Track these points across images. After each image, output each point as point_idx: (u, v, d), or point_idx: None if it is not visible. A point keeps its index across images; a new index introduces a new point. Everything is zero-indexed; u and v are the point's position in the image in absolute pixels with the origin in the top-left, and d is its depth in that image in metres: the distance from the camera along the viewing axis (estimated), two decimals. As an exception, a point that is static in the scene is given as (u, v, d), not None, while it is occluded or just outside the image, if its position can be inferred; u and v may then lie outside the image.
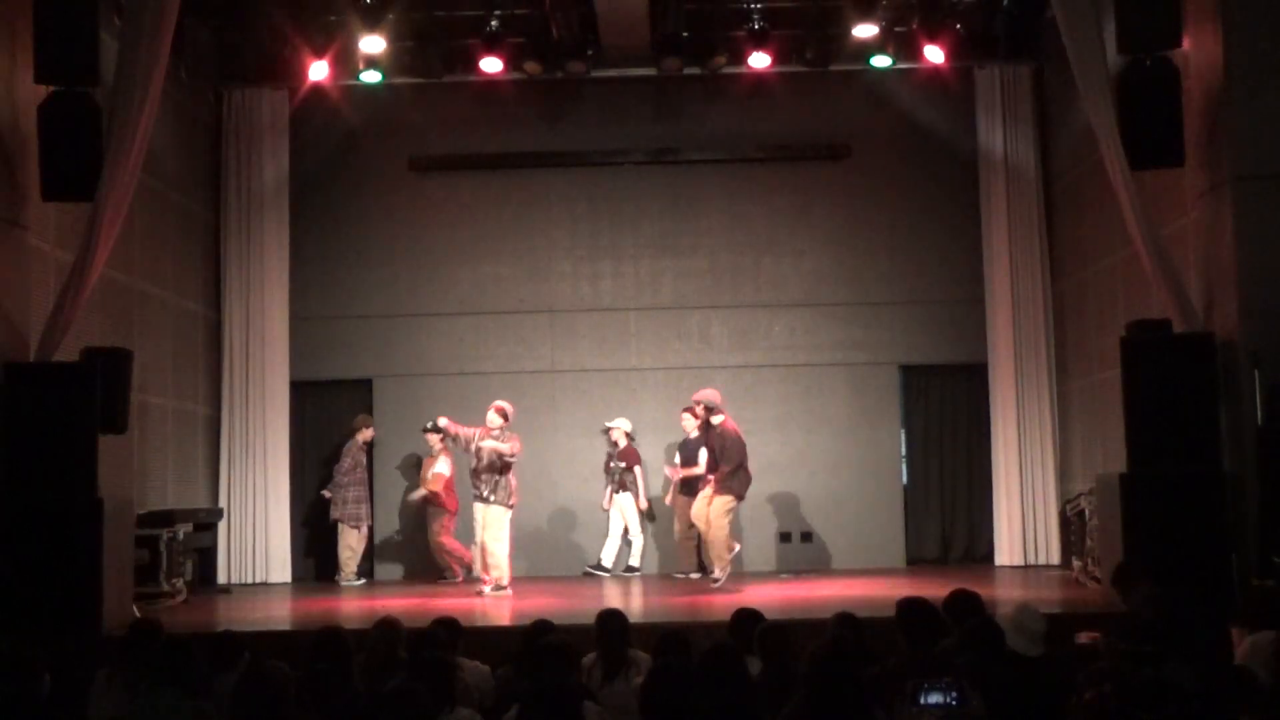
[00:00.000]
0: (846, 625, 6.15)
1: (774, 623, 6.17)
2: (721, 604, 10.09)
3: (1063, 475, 13.52)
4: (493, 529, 11.54)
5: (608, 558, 13.53)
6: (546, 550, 13.77)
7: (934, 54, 13.19)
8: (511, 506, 11.70)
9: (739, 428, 11.88)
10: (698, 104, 14.42)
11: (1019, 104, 13.95)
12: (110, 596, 9.10)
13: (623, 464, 13.42)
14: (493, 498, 11.55)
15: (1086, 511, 11.46)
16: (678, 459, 13.09)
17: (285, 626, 10.00)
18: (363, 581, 13.36)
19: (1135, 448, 9.18)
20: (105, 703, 6.03)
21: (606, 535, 13.57)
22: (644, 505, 13.55)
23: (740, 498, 11.80)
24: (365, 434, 13.60)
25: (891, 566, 13.61)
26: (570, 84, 14.19)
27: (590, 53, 13.51)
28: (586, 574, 13.51)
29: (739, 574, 12.34)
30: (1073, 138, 12.74)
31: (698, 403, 12.15)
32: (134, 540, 10.32)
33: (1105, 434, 11.83)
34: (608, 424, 13.64)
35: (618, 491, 13.44)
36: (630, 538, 13.56)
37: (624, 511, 13.46)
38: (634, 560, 13.57)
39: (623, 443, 13.50)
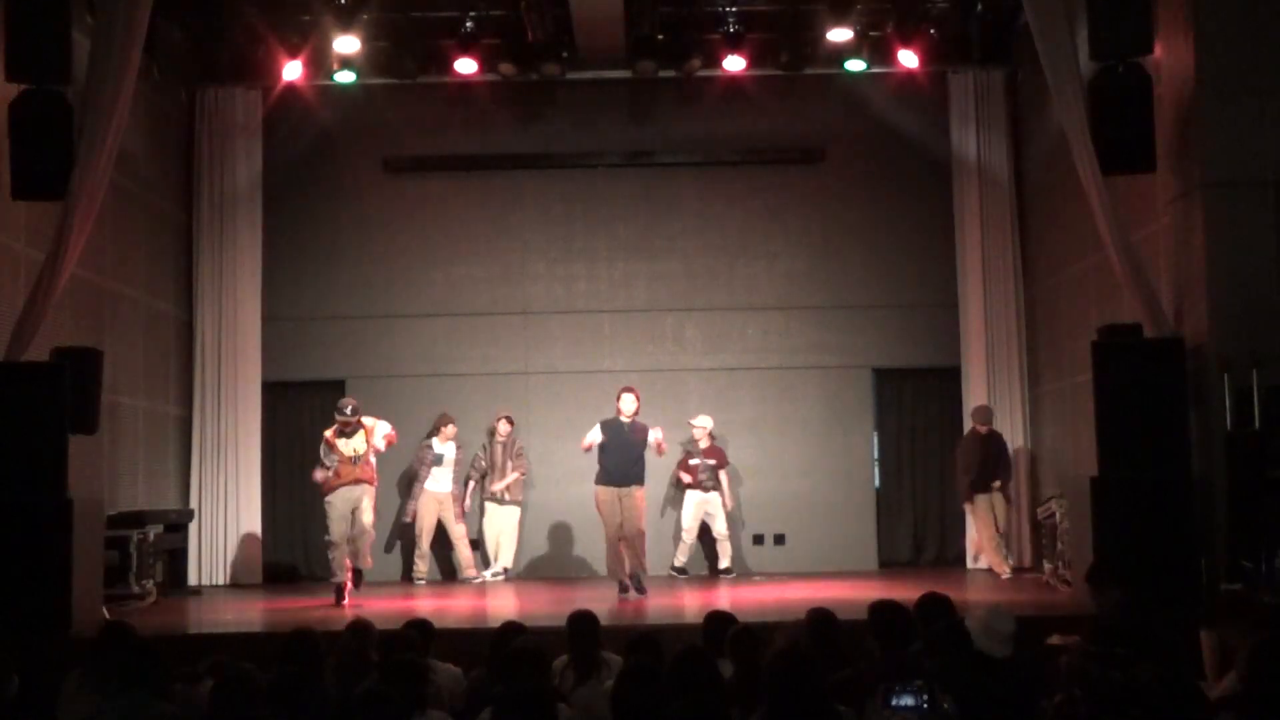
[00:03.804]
0: (811, 627, 6.12)
1: (746, 625, 6.16)
2: (693, 606, 10.11)
3: (1034, 479, 13.58)
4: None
5: (681, 557, 13.42)
6: (521, 551, 13.71)
7: (908, 59, 13.26)
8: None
9: (974, 435, 13.01)
10: (672, 107, 14.42)
11: (992, 109, 14.00)
12: (80, 598, 9.05)
13: (712, 462, 13.30)
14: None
15: (1058, 515, 11.51)
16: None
17: (256, 629, 9.94)
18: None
19: (1106, 452, 9.22)
20: (75, 705, 5.98)
21: (680, 536, 13.43)
22: (729, 505, 13.40)
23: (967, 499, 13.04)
24: (447, 431, 13.39)
25: (863, 569, 13.61)
26: (545, 86, 14.16)
27: (565, 55, 13.49)
28: (671, 575, 13.32)
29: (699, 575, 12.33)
30: (1046, 143, 12.80)
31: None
32: (104, 541, 10.26)
33: (1076, 438, 11.89)
34: (693, 421, 13.43)
35: (707, 491, 13.26)
36: (716, 537, 13.43)
37: (711, 513, 13.30)
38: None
39: (705, 442, 13.41)
